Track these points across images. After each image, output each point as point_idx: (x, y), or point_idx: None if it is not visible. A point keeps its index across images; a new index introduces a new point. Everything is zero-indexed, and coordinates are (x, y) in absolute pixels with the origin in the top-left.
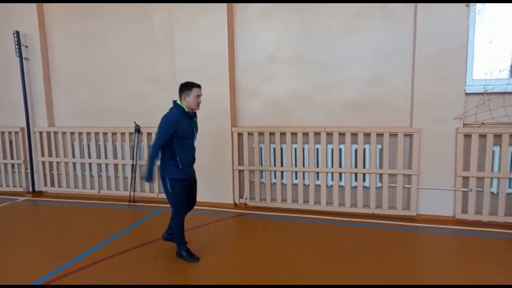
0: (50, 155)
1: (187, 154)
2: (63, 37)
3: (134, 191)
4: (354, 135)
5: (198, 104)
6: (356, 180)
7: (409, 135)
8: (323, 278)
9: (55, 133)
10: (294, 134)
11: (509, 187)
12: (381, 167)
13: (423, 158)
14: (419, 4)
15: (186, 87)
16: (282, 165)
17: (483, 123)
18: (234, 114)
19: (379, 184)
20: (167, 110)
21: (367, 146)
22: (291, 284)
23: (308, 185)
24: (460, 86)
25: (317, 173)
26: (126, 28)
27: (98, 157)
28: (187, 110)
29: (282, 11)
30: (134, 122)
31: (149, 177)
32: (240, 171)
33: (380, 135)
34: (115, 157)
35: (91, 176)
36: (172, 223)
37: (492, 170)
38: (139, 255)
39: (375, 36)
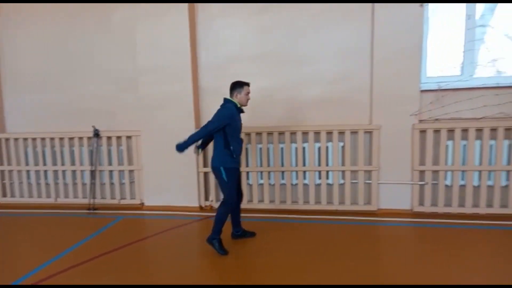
0: (1, 163)
1: (239, 144)
2: (15, 37)
3: (94, 198)
4: (317, 133)
5: (247, 101)
6: (320, 178)
7: (369, 132)
8: (285, 277)
9: (7, 140)
10: (259, 134)
11: (462, 180)
12: (343, 164)
13: (383, 154)
14: (376, 4)
15: (238, 85)
16: (247, 165)
17: (437, 119)
18: (198, 114)
19: (341, 181)
20: (128, 111)
21: (329, 144)
22: (260, 284)
23: (274, 184)
24: (415, 84)
25: (282, 172)
26: (84, 26)
27: (54, 163)
28: (239, 106)
29: (244, 9)
30: (93, 126)
31: (183, 149)
32: (206, 173)
33: (341, 133)
34: (72, 163)
35: (46, 184)
36: (219, 210)
37: (446, 164)
38: (101, 265)
39: (336, 34)
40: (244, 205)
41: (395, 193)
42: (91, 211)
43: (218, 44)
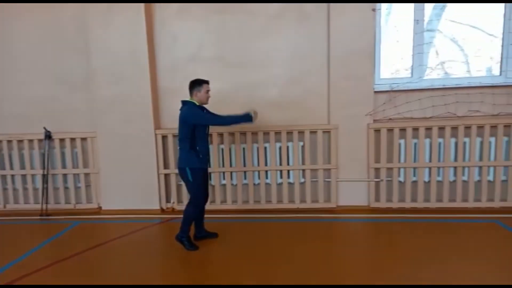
0: None
1: (206, 143)
2: None
3: (47, 203)
4: (278, 133)
5: (208, 98)
6: (281, 177)
7: (327, 132)
8: (242, 277)
9: None
10: (220, 134)
11: (414, 176)
12: (303, 163)
13: (341, 152)
14: (331, 7)
15: (197, 83)
16: (209, 166)
17: (390, 119)
18: (158, 115)
19: (302, 180)
20: (83, 112)
21: (290, 144)
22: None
23: (236, 184)
24: (369, 85)
25: (244, 172)
26: (31, 24)
27: (2, 168)
28: (197, 104)
29: (201, 10)
30: (44, 128)
31: (249, 117)
32: (166, 175)
33: (301, 133)
34: (22, 167)
35: None
36: (187, 210)
37: (399, 161)
38: (56, 272)
39: (293, 36)
40: (206, 206)
41: (353, 190)
42: (44, 217)
43: (176, 45)
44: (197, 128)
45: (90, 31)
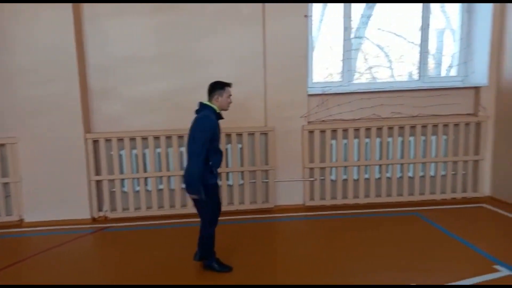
0: None
1: (220, 156)
2: None
3: None
4: None
5: (229, 104)
6: (220, 179)
7: (265, 134)
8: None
9: None
10: (157, 138)
11: (345, 174)
12: (242, 165)
13: (278, 154)
14: (266, 11)
15: (219, 86)
16: (145, 171)
17: (323, 120)
18: (88, 119)
19: (241, 181)
20: (1, 116)
21: (229, 146)
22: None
23: (174, 189)
24: (304, 88)
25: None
26: None
27: None
28: (218, 111)
29: (136, 8)
30: None
31: (200, 190)
32: (98, 182)
33: (239, 135)
34: None
35: None
36: (205, 232)
37: (331, 161)
38: None
39: (232, 38)
40: (140, 212)
41: (289, 190)
42: None
43: (109, 43)
44: (211, 138)
45: (11, 25)
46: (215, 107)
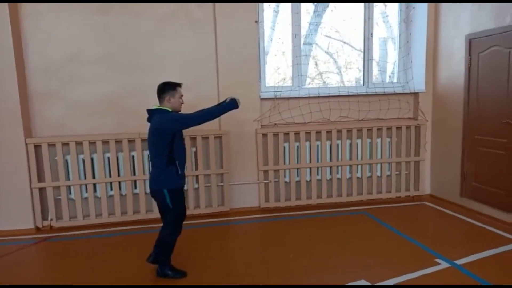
0: None
1: (184, 152)
2: None
3: None
4: None
5: (181, 105)
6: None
7: (219, 137)
8: None
9: None
10: (105, 142)
11: (297, 176)
12: (196, 169)
13: (232, 157)
14: (217, 15)
15: (170, 87)
16: (94, 177)
17: (275, 124)
18: (28, 122)
19: (196, 185)
20: None
21: None
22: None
23: (126, 194)
24: (256, 92)
25: (135, 181)
26: None
27: None
28: (171, 111)
29: (80, 6)
30: None
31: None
32: (42, 189)
33: (193, 139)
34: None
35: None
36: (165, 236)
37: (284, 163)
38: None
39: (183, 41)
40: (89, 220)
41: (244, 193)
42: None
43: (52, 43)
44: (176, 137)
45: None
46: (167, 108)
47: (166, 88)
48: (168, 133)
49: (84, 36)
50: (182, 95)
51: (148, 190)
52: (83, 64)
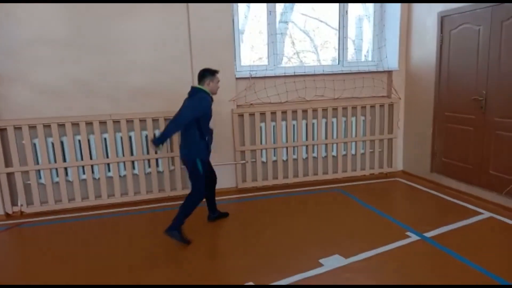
0: None
1: (209, 131)
2: None
3: None
4: (143, 121)
5: (217, 89)
6: (149, 166)
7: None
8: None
9: None
10: (75, 124)
11: (274, 156)
12: (172, 150)
13: None
14: None
15: (210, 72)
16: (64, 161)
17: (251, 104)
18: None
19: (172, 167)
20: None
21: (157, 132)
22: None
23: (99, 178)
24: (231, 72)
25: (108, 164)
26: None
27: None
28: (210, 94)
29: None
30: None
31: (160, 142)
32: (10, 174)
33: (168, 120)
34: None
35: None
36: (190, 200)
37: (261, 143)
38: None
39: (154, 21)
40: (61, 205)
41: (222, 173)
42: None
43: (12, 23)
44: (203, 117)
45: None
46: (206, 89)
47: (206, 74)
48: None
49: (47, 16)
50: (219, 81)
51: (122, 174)
52: (47, 45)
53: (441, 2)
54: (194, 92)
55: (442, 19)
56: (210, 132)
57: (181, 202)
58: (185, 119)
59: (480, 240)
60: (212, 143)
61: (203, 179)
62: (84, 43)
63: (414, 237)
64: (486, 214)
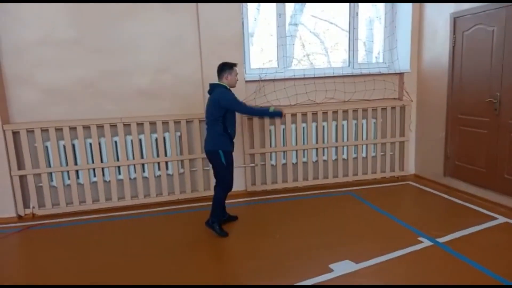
0: None
1: (234, 127)
2: None
3: None
4: (153, 124)
5: (236, 82)
6: (159, 169)
7: (203, 121)
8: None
9: None
10: (87, 127)
11: (283, 159)
12: (181, 153)
13: None
14: None
15: (228, 66)
16: (76, 164)
17: (261, 107)
18: (5, 108)
19: (181, 170)
20: None
21: (166, 134)
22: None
23: (110, 181)
24: (240, 75)
25: (118, 167)
26: None
27: None
28: (228, 88)
29: None
30: None
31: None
32: (22, 177)
33: (178, 123)
34: None
35: None
36: (218, 193)
37: (270, 146)
38: None
39: (161, 22)
40: (72, 207)
41: None
42: None
43: (20, 25)
44: (228, 112)
45: None
46: (225, 84)
47: (225, 68)
48: (222, 108)
49: (54, 17)
50: (237, 73)
51: (132, 176)
52: (54, 46)
53: (453, 2)
54: (213, 88)
55: (455, 20)
56: (235, 124)
57: (190, 205)
58: (241, 104)
59: (496, 246)
60: (235, 136)
61: (227, 170)
62: (91, 44)
63: (426, 242)
64: (501, 219)
